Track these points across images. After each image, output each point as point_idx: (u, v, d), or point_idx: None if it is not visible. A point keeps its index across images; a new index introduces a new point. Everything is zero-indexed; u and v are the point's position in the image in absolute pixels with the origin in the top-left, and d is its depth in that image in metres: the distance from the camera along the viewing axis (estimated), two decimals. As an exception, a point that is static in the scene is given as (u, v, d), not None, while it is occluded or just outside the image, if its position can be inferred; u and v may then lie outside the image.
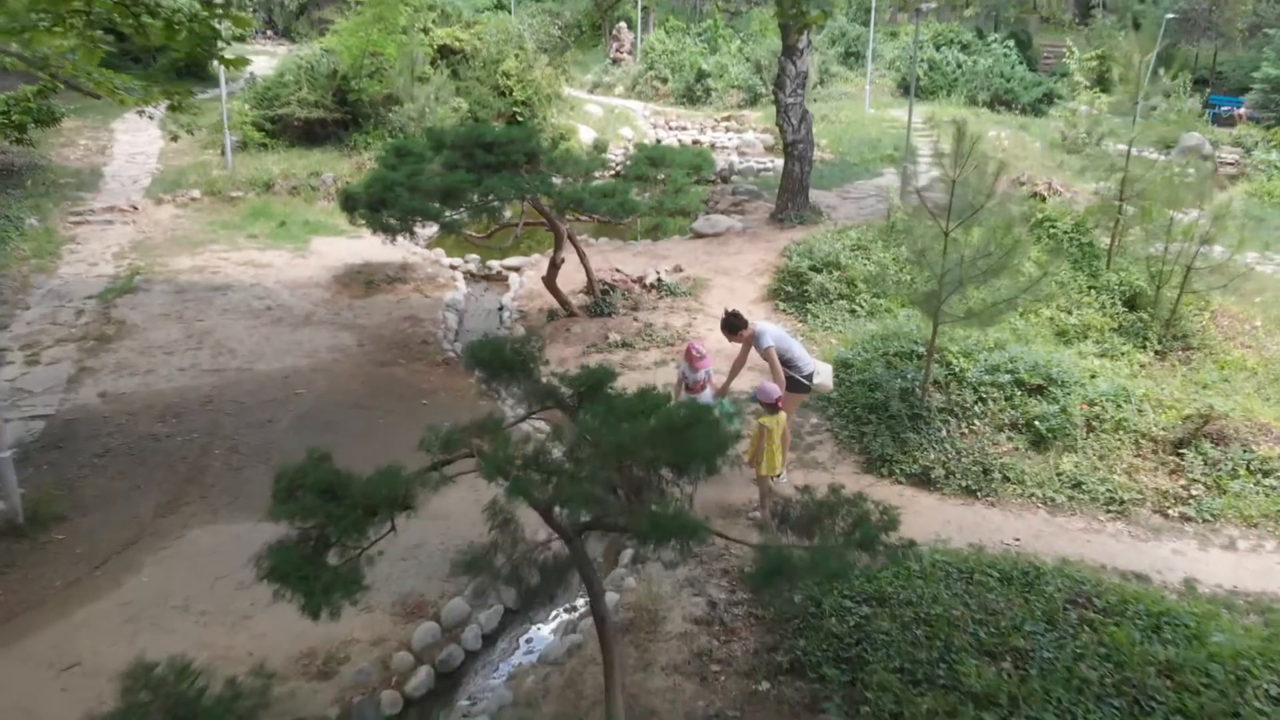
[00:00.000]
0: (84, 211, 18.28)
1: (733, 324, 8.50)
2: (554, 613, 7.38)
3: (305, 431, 9.66)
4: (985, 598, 6.44)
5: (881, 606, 6.32)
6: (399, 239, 11.58)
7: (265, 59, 29.78)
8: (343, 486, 5.01)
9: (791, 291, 13.23)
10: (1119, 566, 7.64)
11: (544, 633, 7.29)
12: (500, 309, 14.00)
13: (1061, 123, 26.37)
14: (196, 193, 19.46)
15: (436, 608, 7.01)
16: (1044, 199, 18.70)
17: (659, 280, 13.87)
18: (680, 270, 14.32)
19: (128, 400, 10.34)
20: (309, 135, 22.16)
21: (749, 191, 19.44)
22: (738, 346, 8.95)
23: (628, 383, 11.20)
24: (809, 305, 12.80)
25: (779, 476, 8.27)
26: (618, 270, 14.11)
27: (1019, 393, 9.50)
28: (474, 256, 15.68)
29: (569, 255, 12.87)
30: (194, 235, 16.98)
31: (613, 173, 23.91)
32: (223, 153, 20.94)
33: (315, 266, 15.36)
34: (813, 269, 13.22)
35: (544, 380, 6.73)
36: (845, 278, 12.95)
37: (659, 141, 27.25)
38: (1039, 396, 9.51)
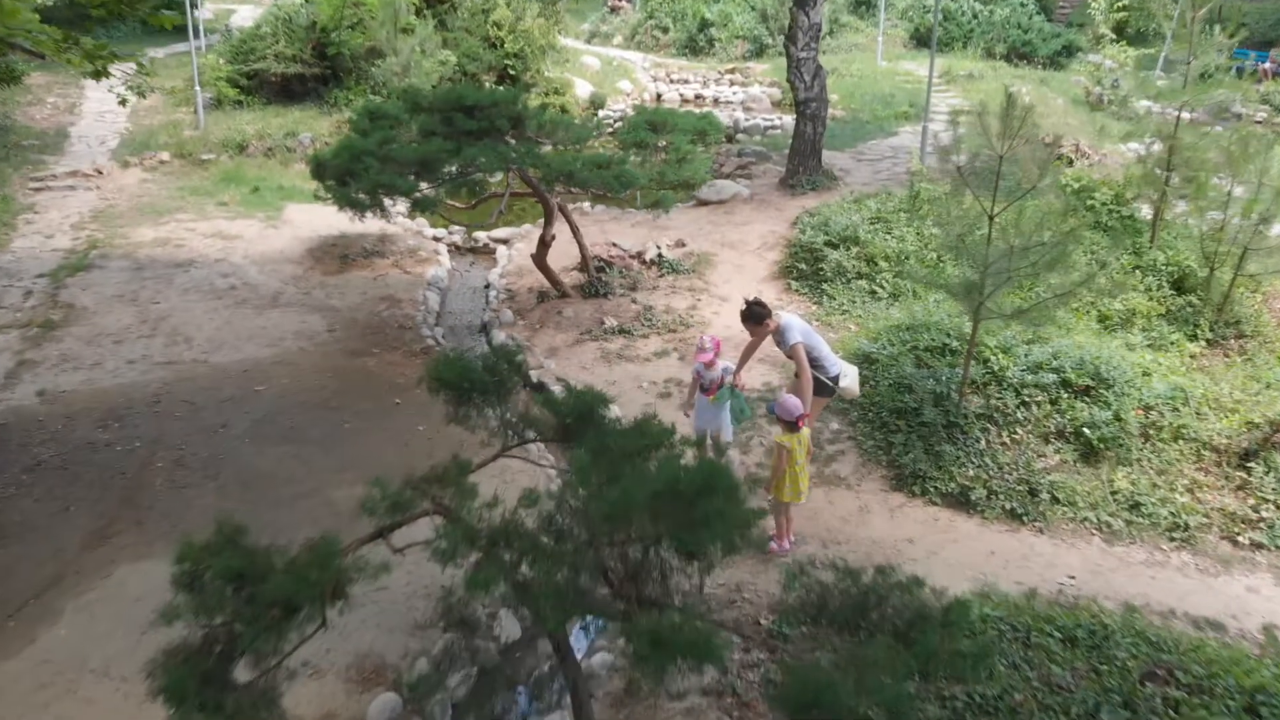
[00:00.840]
0: (45, 177, 17.10)
1: (756, 314, 7.36)
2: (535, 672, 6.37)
3: (261, 440, 8.60)
4: (1048, 669, 5.43)
5: (925, 682, 5.28)
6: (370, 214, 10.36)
7: (250, 8, 28.28)
8: (258, 573, 3.95)
9: (805, 269, 12.08)
10: (1189, 611, 6.62)
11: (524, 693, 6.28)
12: (487, 287, 12.86)
13: (1084, 78, 24.95)
14: (166, 155, 18.25)
15: (397, 673, 5.99)
16: (1071, 162, 17.45)
17: (659, 256, 12.71)
18: (683, 244, 13.15)
19: (68, 400, 9.26)
20: (287, 92, 20.84)
21: (756, 153, 18.17)
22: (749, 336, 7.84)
23: (624, 377, 10.19)
24: (824, 285, 11.65)
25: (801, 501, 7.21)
26: (614, 244, 12.95)
27: (1065, 395, 8.42)
28: (459, 227, 14.49)
29: (561, 227, 11.71)
30: (160, 203, 15.80)
31: (610, 130, 22.76)
32: (195, 111, 19.66)
33: (287, 238, 14.19)
34: (829, 244, 12.06)
35: (531, 377, 5.70)
36: (864, 254, 11.79)
37: (659, 97, 25.88)
38: (1087, 399, 8.42)
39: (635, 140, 10.80)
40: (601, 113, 22.97)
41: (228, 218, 15.11)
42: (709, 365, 7.66)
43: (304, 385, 9.65)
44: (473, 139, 10.18)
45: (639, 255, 12.78)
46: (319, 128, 19.01)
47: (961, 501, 7.60)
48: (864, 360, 9.26)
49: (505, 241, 14.20)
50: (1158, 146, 20.08)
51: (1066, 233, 7.26)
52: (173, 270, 12.80)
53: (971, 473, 7.76)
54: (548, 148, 11.12)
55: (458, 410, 5.57)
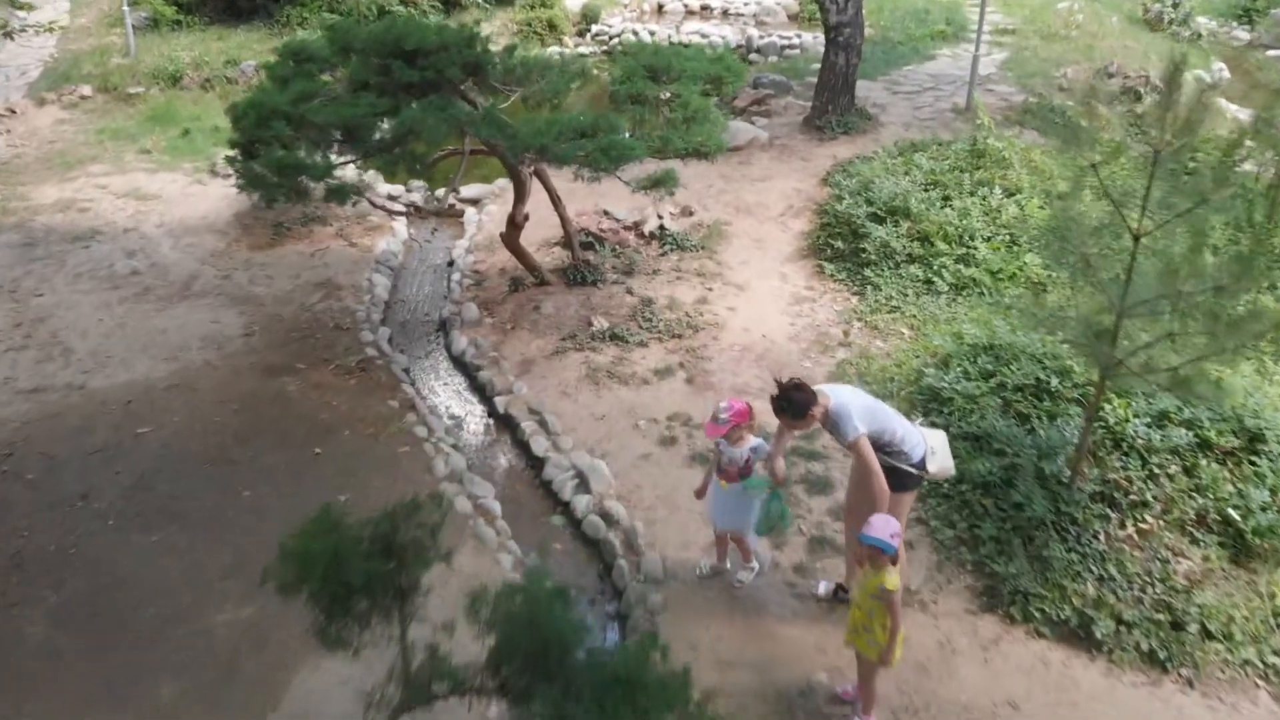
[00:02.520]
0: (-49, 120, 14.66)
1: (797, 404, 4.98)
2: None
3: (129, 520, 6.45)
4: None
5: None
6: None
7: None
8: None
9: (841, 248, 9.74)
10: None
11: None
12: (450, 265, 10.56)
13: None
14: (88, 89, 15.72)
15: None
16: (1140, 97, 14.88)
17: (661, 228, 10.36)
18: (690, 212, 10.78)
19: (-109, 452, 7.13)
20: (232, 9, 18.19)
21: (774, 83, 15.56)
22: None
23: (616, 409, 7.80)
24: (866, 270, 9.35)
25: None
26: (606, 213, 10.58)
27: (1204, 460, 6.25)
28: (420, 184, 12.10)
29: (537, 191, 9.32)
30: (74, 150, 13.42)
31: (605, 49, 19.99)
32: (126, 35, 17.00)
33: (215, 199, 11.84)
34: (873, 218, 9.70)
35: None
36: (918, 232, 9.45)
37: (660, 8, 23.01)
38: (1232, 465, 6.25)
39: (630, 93, 8.34)
40: (595, 28, 20.26)
41: (149, 170, 12.74)
42: (734, 440, 5.46)
43: (200, 424, 7.46)
44: (416, 94, 7.81)
45: (636, 226, 10.44)
46: (265, 54, 16.35)
47: (1080, 635, 5.48)
48: (931, 398, 7.07)
49: (475, 202, 11.82)
50: (1225, 75, 17.61)
51: (1244, 268, 4.98)
52: (69, 246, 10.51)
53: (1092, 590, 5.62)
54: (517, 96, 8.76)
55: (329, 623, 3.43)
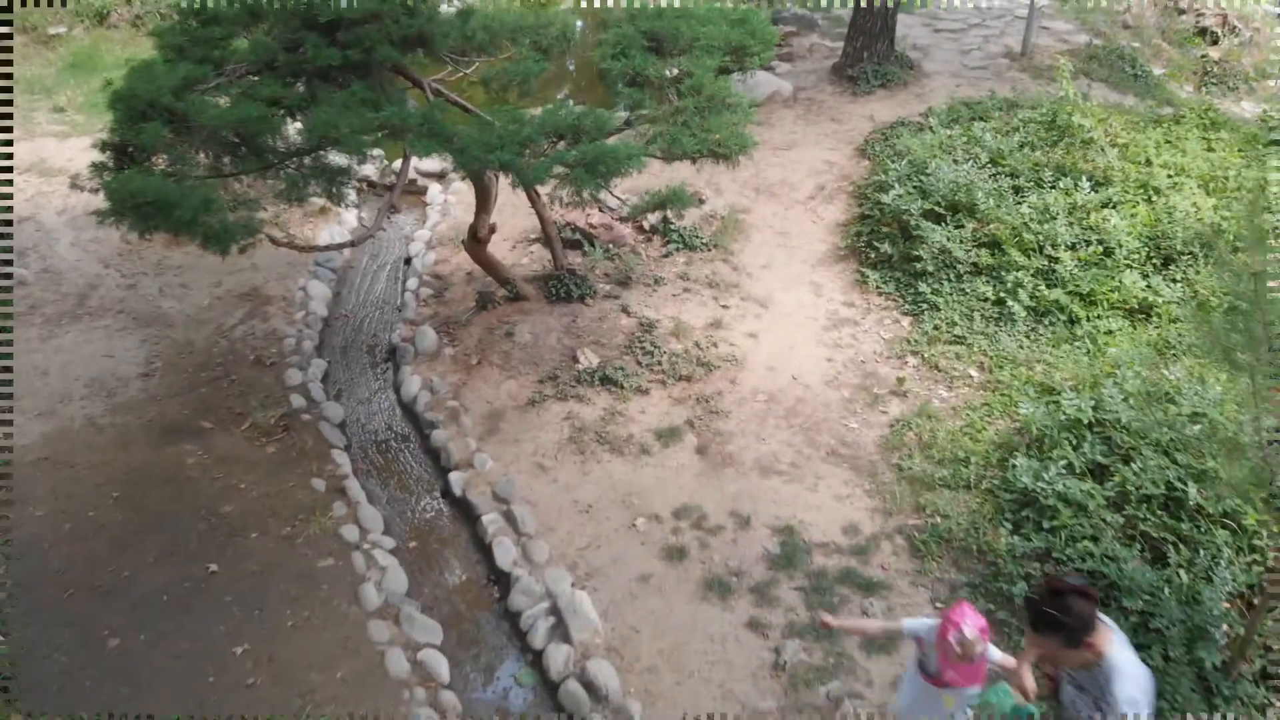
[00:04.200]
0: None
1: (1079, 617, 3.17)
2: None
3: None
4: None
5: None
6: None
7: None
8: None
9: (888, 252, 7.83)
10: None
11: None
12: (406, 264, 8.72)
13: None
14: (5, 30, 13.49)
15: None
16: (1217, 39, 12.77)
17: (664, 220, 8.47)
18: (701, 200, 8.85)
19: None
20: (169, -74, 15.75)
21: (798, 18, 13.37)
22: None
23: (605, 497, 5.98)
24: (920, 284, 7.48)
25: None
26: (596, 203, 8.67)
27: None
28: (377, 152, 10.12)
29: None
30: (-23, 106, 11.36)
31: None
32: (46, -43, 14.72)
33: (132, 174, 9.89)
34: (928, 215, 7.79)
35: None
36: (986, 235, 7.55)
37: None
38: None
39: (627, 72, 6.33)
40: (572, 22, 17.84)
41: (60, 134, 10.77)
42: (960, 670, 3.57)
43: (70, 523, 5.75)
44: (337, 82, 5.88)
45: (633, 219, 8.55)
46: (206, -18, 14.18)
47: None
48: (1023, 502, 5.34)
49: (440, 177, 9.87)
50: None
51: None
52: (-53, 242, 8.66)
53: (1272, 841, 4.00)
54: (476, 68, 6.83)
55: None
